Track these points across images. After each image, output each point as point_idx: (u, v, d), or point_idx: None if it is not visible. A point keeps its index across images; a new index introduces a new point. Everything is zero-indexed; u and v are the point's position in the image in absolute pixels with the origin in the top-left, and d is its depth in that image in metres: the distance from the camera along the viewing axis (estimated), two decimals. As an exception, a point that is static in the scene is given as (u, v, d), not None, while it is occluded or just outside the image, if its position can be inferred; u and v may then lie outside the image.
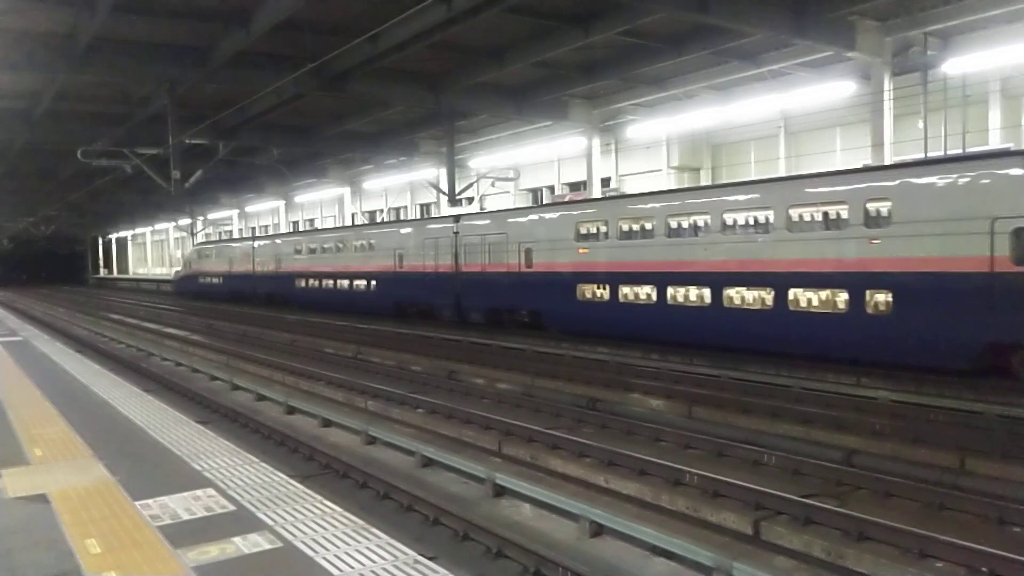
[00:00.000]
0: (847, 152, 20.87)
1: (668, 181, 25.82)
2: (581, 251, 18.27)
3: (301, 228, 47.69)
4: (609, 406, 12.03)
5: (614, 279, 17.33)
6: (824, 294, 13.53)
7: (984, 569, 5.82)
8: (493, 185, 31.13)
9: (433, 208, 35.92)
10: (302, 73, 16.61)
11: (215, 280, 42.64)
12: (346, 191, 41.16)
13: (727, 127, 23.81)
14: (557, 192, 30.49)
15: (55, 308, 41.50)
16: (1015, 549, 5.95)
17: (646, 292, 16.77)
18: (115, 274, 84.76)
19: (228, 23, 17.20)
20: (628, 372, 14.36)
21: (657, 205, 16.76)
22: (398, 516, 7.74)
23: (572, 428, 10.69)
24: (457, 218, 22.90)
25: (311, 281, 31.89)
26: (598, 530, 6.93)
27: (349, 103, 25.19)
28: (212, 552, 4.95)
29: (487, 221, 21.60)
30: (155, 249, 78.29)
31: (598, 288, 17.95)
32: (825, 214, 13.51)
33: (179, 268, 51.68)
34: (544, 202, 29.06)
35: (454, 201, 28.92)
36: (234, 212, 54.60)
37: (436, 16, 14.84)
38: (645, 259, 16.55)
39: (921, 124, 17.78)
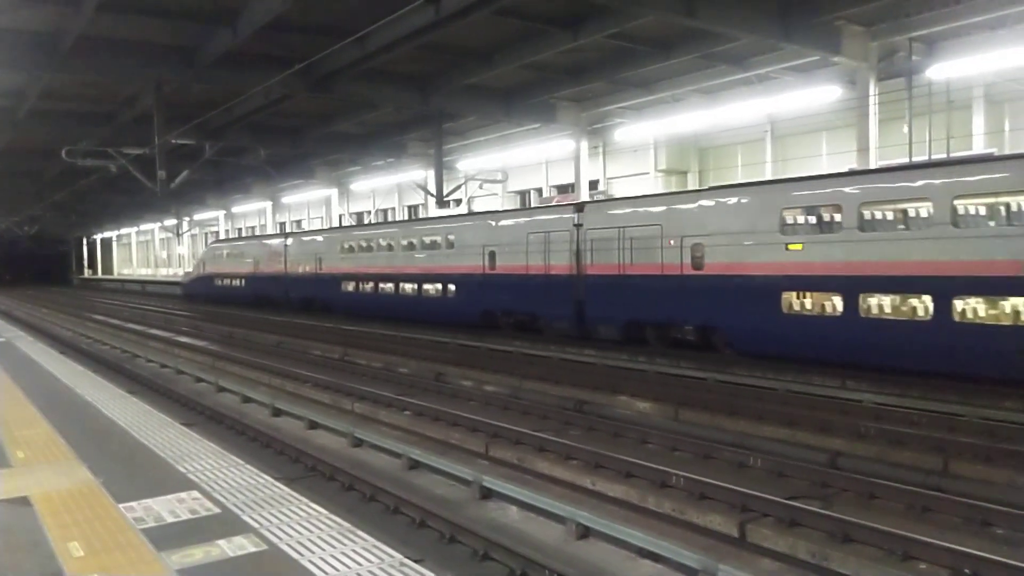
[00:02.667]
0: (833, 156, 21.01)
1: (655, 185, 25.91)
2: (791, 248, 13.65)
3: (343, 223, 40.74)
4: (596, 408, 12.05)
5: (851, 286, 12.71)
6: None
7: (967, 570, 5.86)
8: (481, 187, 31.12)
9: (421, 210, 35.84)
10: (290, 74, 16.54)
11: (236, 282, 37.91)
12: (334, 192, 41.04)
13: (714, 130, 23.91)
14: (546, 195, 30.54)
15: (39, 309, 41.13)
16: (998, 550, 6.01)
17: (913, 303, 12.39)
18: (100, 275, 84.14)
19: (215, 23, 17.12)
20: (615, 375, 14.38)
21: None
22: (384, 519, 7.71)
23: (559, 430, 10.69)
24: (580, 207, 18.62)
25: (363, 284, 27.23)
26: (585, 532, 6.94)
27: (337, 104, 25.11)
28: (197, 555, 4.91)
29: (628, 210, 17.07)
30: (140, 250, 77.74)
31: (816, 298, 13.83)
32: None
33: (190, 269, 47.90)
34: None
35: (442, 203, 28.91)
36: (220, 213, 54.30)
37: (425, 18, 14.84)
38: (910, 258, 11.93)
39: (906, 129, 17.93)
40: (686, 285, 15.25)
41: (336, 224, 39.90)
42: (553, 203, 23.79)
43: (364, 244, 27.54)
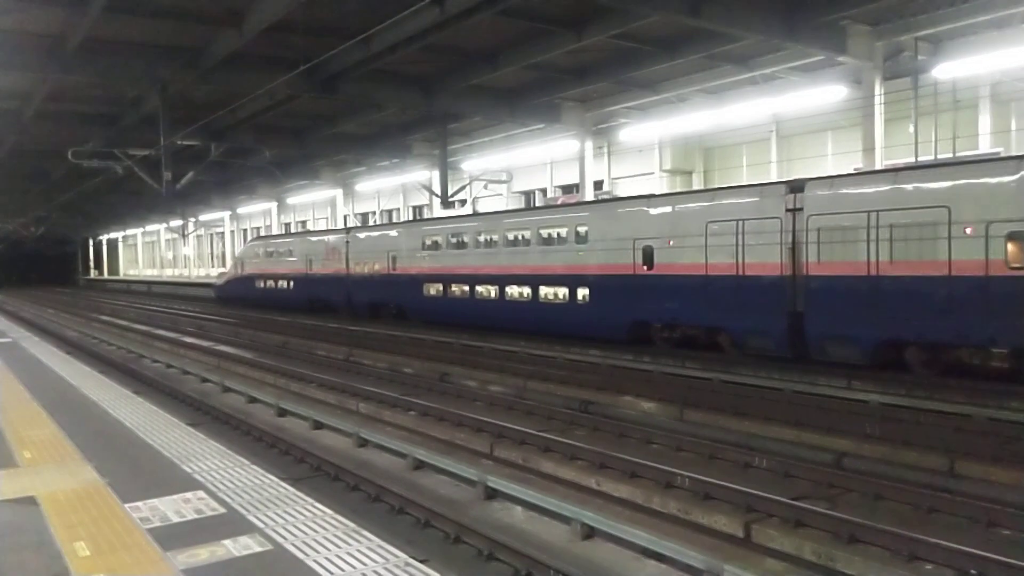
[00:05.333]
0: (838, 156, 20.97)
1: (660, 184, 25.88)
2: None
3: (411, 217, 36.96)
4: (601, 408, 12.04)
5: None
6: None
7: (973, 571, 5.85)
8: (486, 187, 31.12)
9: (426, 211, 35.72)
10: (295, 75, 16.58)
11: (283, 284, 33.50)
12: (338, 193, 41.11)
13: (719, 130, 23.87)
14: (550, 195, 30.54)
15: (45, 309, 41.26)
16: (1004, 551, 5.99)
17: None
18: (106, 275, 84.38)
19: (220, 24, 17.15)
20: (620, 375, 14.37)
21: None
22: (390, 519, 7.72)
23: (564, 431, 10.70)
24: (797, 186, 13.87)
25: (453, 287, 22.65)
26: (590, 532, 6.93)
27: (342, 105, 25.14)
28: (202, 555, 4.92)
29: (888, 187, 12.50)
30: (146, 250, 77.98)
31: None
32: None
33: (224, 269, 44.57)
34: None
35: (447, 203, 28.92)
36: (226, 214, 54.43)
37: (429, 18, 14.85)
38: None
39: (912, 128, 17.88)
40: (995, 290, 11.18)
41: (414, 216, 37.41)
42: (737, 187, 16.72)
43: (455, 239, 22.89)
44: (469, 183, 29.73)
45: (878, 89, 17.70)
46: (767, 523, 7.00)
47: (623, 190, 27.03)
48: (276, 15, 15.32)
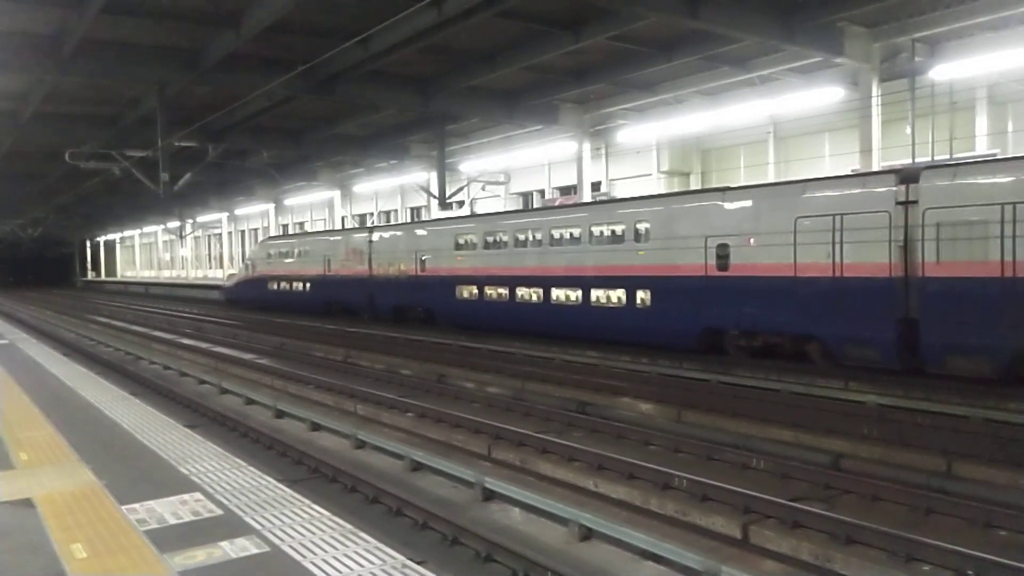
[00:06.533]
0: (836, 158, 21.00)
1: (658, 186, 25.90)
2: None
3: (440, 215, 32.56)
4: (599, 410, 12.04)
5: None
6: None
7: (971, 572, 5.86)
8: (484, 189, 31.12)
9: (424, 212, 35.70)
10: (292, 76, 16.58)
11: (298, 286, 32.00)
12: (336, 194, 41.08)
13: (717, 132, 23.90)
14: (548, 196, 30.56)
15: (42, 311, 41.21)
16: (1001, 552, 5.99)
17: None
18: (103, 277, 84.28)
19: (218, 25, 17.15)
20: (618, 376, 14.38)
21: None
22: (387, 520, 7.71)
23: (562, 432, 10.70)
24: (911, 175, 12.27)
25: (490, 290, 21.04)
26: (587, 534, 6.93)
27: (339, 106, 25.14)
28: (199, 557, 4.92)
29: None
30: (143, 252, 77.93)
31: None
32: None
33: (234, 271, 42.57)
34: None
35: (445, 205, 28.89)
36: (223, 215, 54.42)
37: (427, 19, 14.86)
38: None
39: (909, 130, 17.91)
40: None
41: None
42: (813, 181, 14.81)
43: (493, 237, 21.21)
44: (467, 184, 29.73)
45: (875, 90, 17.72)
46: (765, 524, 7.01)
47: (620, 192, 27.06)
48: (274, 16, 15.32)
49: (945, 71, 17.06)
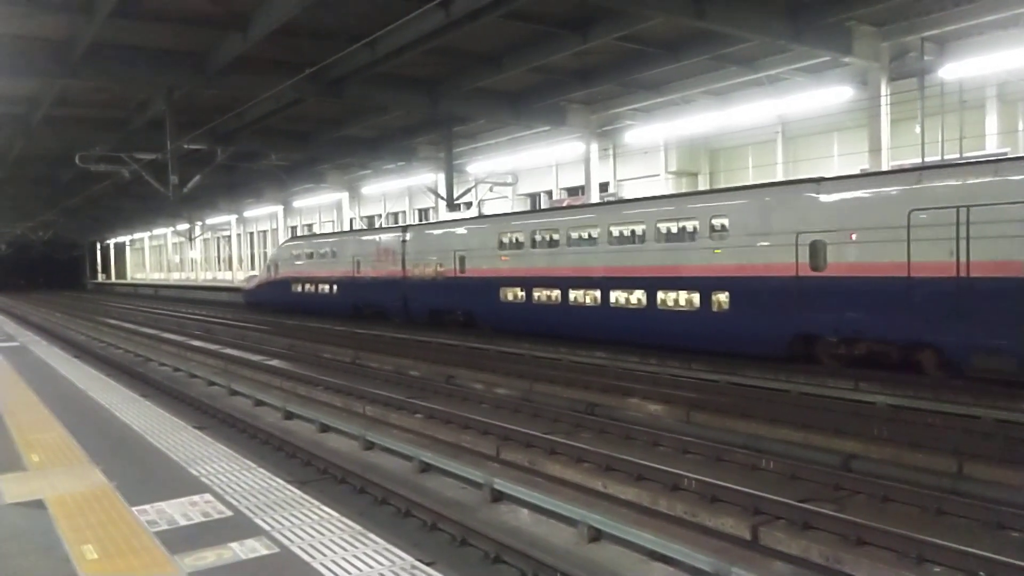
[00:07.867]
0: (844, 157, 20.92)
1: (666, 186, 25.87)
2: None
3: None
4: (607, 411, 12.01)
5: None
6: None
7: (982, 574, 5.81)
8: (491, 190, 31.12)
9: (431, 214, 35.72)
10: (300, 78, 16.64)
11: (325, 288, 30.64)
12: (344, 196, 41.20)
13: (725, 132, 23.85)
14: (556, 197, 30.55)
15: (53, 313, 41.43)
16: (1013, 553, 5.96)
17: None
18: (113, 279, 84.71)
19: (226, 28, 17.22)
20: (626, 377, 14.34)
21: None
22: (396, 521, 7.72)
23: (570, 433, 10.68)
24: None
25: (539, 292, 19.70)
26: (596, 535, 6.92)
27: (347, 108, 25.21)
28: (209, 558, 4.94)
29: None
30: (153, 254, 78.29)
31: None
32: None
33: (254, 272, 41.61)
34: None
35: (453, 206, 28.92)
36: (232, 217, 54.64)
37: (434, 21, 14.89)
38: None
39: (918, 129, 17.83)
40: None
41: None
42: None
43: (543, 236, 19.77)
44: (475, 186, 29.74)
45: (884, 90, 17.66)
46: (774, 525, 6.98)
47: (629, 192, 27.03)
48: (281, 19, 15.36)
49: (954, 70, 16.97)
